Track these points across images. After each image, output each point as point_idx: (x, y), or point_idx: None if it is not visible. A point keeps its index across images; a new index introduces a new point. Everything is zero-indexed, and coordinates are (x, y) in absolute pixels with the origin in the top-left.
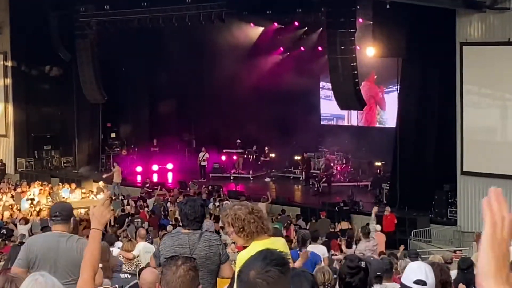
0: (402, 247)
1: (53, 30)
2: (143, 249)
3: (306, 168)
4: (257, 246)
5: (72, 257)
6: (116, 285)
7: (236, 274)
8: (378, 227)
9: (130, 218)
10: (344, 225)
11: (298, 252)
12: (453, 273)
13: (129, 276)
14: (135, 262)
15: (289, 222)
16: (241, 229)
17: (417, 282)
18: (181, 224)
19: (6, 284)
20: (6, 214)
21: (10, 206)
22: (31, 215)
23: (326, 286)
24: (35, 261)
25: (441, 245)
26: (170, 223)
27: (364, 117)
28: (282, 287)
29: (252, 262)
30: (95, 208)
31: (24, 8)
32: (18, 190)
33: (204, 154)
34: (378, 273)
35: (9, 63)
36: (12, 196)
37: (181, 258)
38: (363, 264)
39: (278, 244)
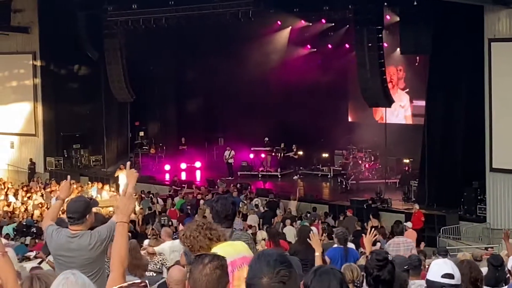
0: (422, 244)
1: (81, 30)
2: (169, 248)
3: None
4: (216, 250)
5: (86, 255)
6: (146, 281)
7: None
8: (410, 224)
9: (157, 216)
10: (375, 222)
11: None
12: (484, 270)
13: (154, 274)
14: (160, 260)
15: (313, 218)
16: (191, 248)
17: (445, 276)
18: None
19: (34, 282)
20: (37, 212)
21: (40, 205)
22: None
23: (355, 284)
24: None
25: (470, 242)
26: None
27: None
28: (295, 282)
29: (257, 270)
30: (118, 200)
31: (52, 8)
32: (48, 189)
33: (230, 152)
34: (405, 267)
35: (38, 63)
36: (42, 195)
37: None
38: (390, 257)
39: (237, 245)
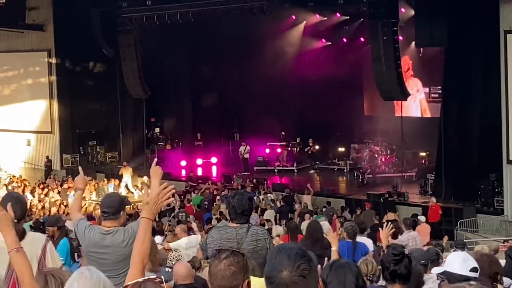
0: (446, 238)
1: (95, 27)
2: (186, 245)
3: (357, 159)
4: None
5: (120, 251)
6: (162, 276)
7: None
8: (423, 218)
9: (174, 212)
10: (391, 216)
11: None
12: (501, 263)
13: (170, 270)
14: (175, 257)
15: (331, 213)
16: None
17: (473, 269)
18: (228, 218)
19: (49, 279)
20: (53, 210)
21: (57, 202)
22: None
23: (369, 277)
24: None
25: (488, 235)
26: (215, 217)
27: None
28: (314, 276)
29: (277, 263)
30: (150, 196)
31: (67, 6)
32: (65, 186)
33: (245, 148)
34: (422, 261)
35: (53, 60)
36: (59, 192)
37: (226, 252)
38: (406, 251)
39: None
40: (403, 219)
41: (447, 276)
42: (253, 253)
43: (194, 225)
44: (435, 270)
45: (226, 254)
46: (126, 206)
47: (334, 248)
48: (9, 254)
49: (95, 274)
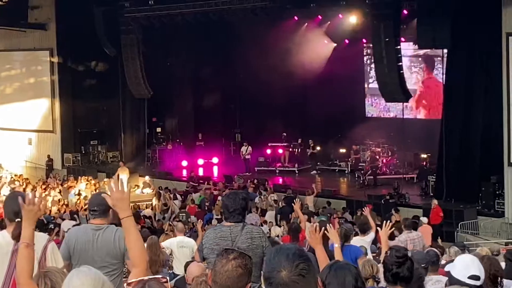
0: (439, 240)
1: (98, 26)
2: (177, 244)
3: (356, 160)
4: None
5: (109, 248)
6: (167, 277)
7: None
8: (425, 219)
9: (176, 212)
10: (397, 217)
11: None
12: (502, 265)
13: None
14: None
15: (329, 214)
16: None
17: (472, 277)
18: (223, 218)
19: (40, 280)
20: (54, 209)
21: (58, 201)
22: (77, 210)
23: (377, 279)
24: (73, 253)
25: (489, 237)
26: (216, 217)
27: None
28: (314, 276)
29: (276, 263)
30: (111, 198)
31: (69, 5)
32: (65, 185)
33: (247, 148)
34: (423, 265)
35: (55, 59)
36: (60, 191)
37: (235, 252)
38: (409, 254)
39: None
40: (402, 220)
41: (449, 277)
42: (248, 251)
43: (198, 227)
44: (448, 267)
45: (235, 255)
46: None
47: (336, 245)
48: (19, 245)
49: (93, 269)
